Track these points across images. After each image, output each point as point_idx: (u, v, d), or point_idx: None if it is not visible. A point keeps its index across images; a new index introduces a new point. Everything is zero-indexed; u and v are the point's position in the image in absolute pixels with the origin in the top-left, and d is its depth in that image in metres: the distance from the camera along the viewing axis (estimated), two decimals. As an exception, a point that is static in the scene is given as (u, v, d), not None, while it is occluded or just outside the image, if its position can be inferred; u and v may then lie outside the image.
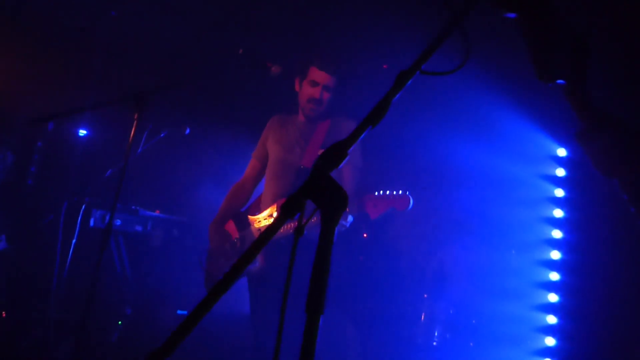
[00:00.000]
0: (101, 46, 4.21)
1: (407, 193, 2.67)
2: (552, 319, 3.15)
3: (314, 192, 1.11)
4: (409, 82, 1.31)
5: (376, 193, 2.70)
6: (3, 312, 3.88)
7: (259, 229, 3.15)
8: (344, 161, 1.17)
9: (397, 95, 1.29)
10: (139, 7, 3.89)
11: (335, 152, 1.16)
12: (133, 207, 4.20)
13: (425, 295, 3.66)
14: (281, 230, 3.05)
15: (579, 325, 3.03)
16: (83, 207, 3.91)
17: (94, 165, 4.12)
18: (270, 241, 1.03)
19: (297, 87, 3.18)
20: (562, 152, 3.24)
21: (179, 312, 4.32)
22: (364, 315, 3.50)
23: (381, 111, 1.26)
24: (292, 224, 2.94)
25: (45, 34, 4.18)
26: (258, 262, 3.02)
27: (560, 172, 3.24)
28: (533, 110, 3.12)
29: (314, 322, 1.11)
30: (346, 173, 3.02)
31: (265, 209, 3.18)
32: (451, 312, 3.57)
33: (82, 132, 4.55)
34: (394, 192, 2.69)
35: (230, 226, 3.28)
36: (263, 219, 3.16)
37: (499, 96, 3.13)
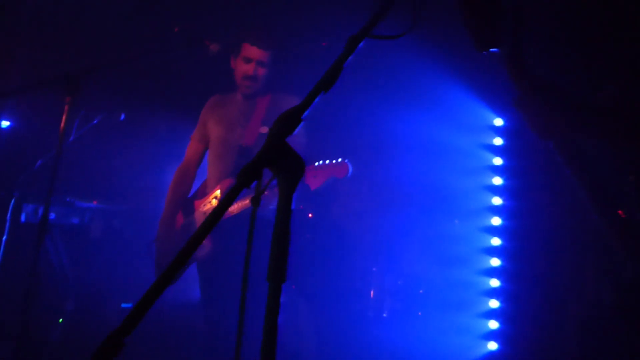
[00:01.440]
0: (22, 25, 3.91)
1: (346, 160, 2.72)
2: (495, 282, 3.29)
3: (272, 159, 1.08)
4: (359, 46, 1.30)
5: (316, 164, 2.74)
6: None
7: (204, 213, 3.08)
8: (299, 127, 1.16)
9: (348, 60, 1.28)
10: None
11: (290, 118, 1.14)
12: (68, 199, 3.99)
13: (374, 269, 3.72)
14: (230, 210, 3.00)
15: (520, 286, 3.18)
16: (12, 201, 3.69)
17: (22, 156, 3.87)
18: (218, 224, 0.99)
19: (232, 65, 3.13)
20: (499, 121, 3.35)
21: (123, 305, 4.17)
22: (315, 292, 3.52)
23: (333, 76, 1.24)
24: (238, 205, 2.90)
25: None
26: (206, 245, 2.95)
27: (498, 141, 3.35)
28: (471, 81, 3.20)
29: (276, 291, 1.09)
30: None
31: (209, 191, 3.11)
32: (399, 283, 3.66)
33: (5, 124, 4.26)
34: (333, 161, 2.74)
35: (179, 216, 3.20)
36: (208, 202, 3.09)
37: (437, 67, 3.18)
